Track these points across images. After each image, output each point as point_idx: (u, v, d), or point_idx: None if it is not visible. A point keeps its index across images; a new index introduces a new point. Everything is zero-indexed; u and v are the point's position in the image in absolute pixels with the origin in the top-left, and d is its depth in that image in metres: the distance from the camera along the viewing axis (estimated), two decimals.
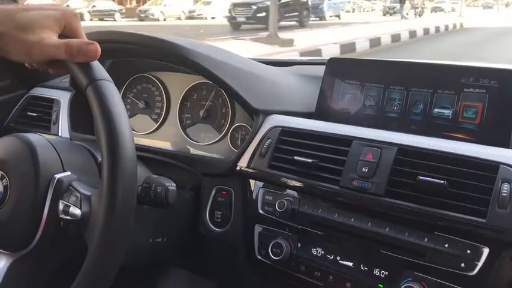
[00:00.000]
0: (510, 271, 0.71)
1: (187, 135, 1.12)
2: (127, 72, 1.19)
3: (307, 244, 0.85)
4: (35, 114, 1.29)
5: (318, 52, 7.87)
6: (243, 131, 1.06)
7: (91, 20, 20.21)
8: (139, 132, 1.18)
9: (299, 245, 0.85)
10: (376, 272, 0.78)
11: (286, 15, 14.21)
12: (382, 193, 0.77)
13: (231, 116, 1.07)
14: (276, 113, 0.96)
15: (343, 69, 0.98)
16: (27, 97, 1.33)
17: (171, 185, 0.75)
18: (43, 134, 0.93)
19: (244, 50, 7.23)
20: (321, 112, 0.98)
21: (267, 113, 0.96)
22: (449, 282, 0.72)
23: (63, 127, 1.19)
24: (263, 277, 0.95)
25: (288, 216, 0.86)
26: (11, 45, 0.58)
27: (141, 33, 1.00)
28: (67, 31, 0.62)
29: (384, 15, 26.54)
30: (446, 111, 0.86)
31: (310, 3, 15.90)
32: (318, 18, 19.51)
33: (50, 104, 1.26)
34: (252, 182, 0.93)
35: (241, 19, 14.19)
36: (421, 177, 0.75)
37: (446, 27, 16.79)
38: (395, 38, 11.43)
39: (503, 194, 0.69)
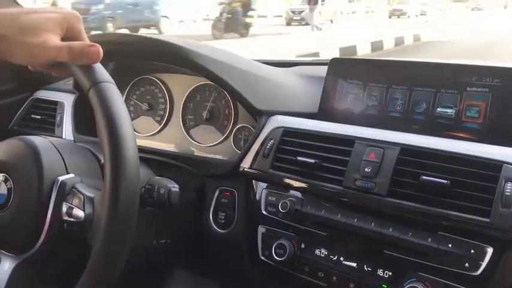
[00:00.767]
0: None
1: (190, 136, 1.12)
2: (130, 74, 1.20)
3: (311, 245, 0.85)
4: (39, 117, 1.29)
5: None
6: (246, 132, 1.06)
7: None
8: (143, 134, 1.18)
9: (302, 245, 0.85)
10: (380, 272, 0.78)
11: None
12: (385, 193, 0.77)
13: (233, 117, 1.07)
14: (278, 114, 0.96)
15: (345, 69, 0.98)
16: (31, 100, 1.33)
17: (174, 187, 0.75)
18: (47, 137, 0.93)
19: None
20: (323, 112, 0.98)
21: (270, 113, 0.96)
22: (453, 282, 0.71)
23: (67, 129, 1.20)
24: (267, 278, 0.95)
25: (291, 217, 0.86)
26: (14, 48, 0.58)
27: (143, 35, 1.00)
28: (70, 33, 0.62)
29: (288, 24, 17.86)
30: (449, 111, 0.86)
31: None
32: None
33: (54, 106, 1.27)
34: (255, 182, 0.93)
35: None
36: (424, 177, 0.74)
37: (377, 45, 9.36)
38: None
39: (506, 193, 0.68)
